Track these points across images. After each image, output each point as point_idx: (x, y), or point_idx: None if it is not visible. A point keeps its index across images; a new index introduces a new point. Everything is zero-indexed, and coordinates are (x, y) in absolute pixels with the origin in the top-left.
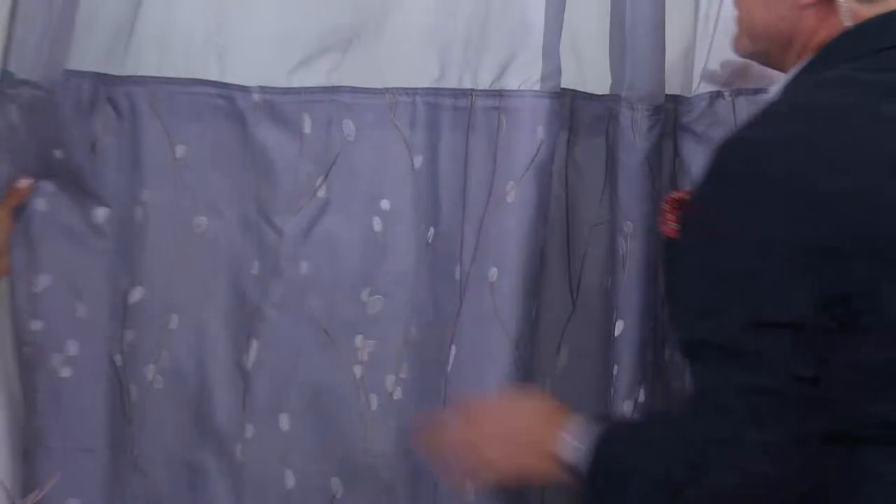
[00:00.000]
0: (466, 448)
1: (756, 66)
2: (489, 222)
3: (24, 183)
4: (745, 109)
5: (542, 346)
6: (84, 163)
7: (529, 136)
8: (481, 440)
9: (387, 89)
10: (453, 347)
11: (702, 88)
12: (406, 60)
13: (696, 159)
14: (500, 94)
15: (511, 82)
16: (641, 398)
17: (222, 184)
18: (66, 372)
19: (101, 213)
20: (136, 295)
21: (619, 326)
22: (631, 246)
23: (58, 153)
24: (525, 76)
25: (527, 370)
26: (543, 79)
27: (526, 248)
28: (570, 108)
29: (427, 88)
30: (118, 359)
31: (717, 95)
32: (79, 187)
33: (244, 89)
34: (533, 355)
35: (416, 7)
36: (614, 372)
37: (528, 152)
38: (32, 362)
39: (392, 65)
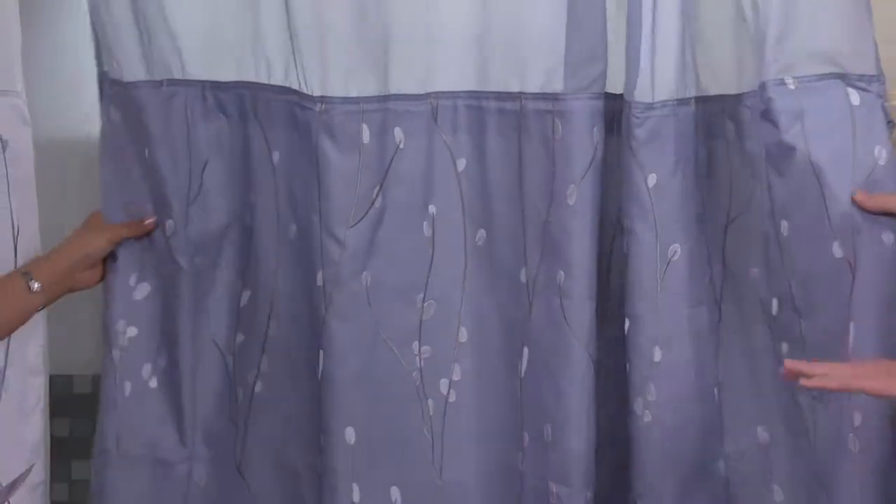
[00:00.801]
0: None
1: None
2: (553, 225)
3: (150, 221)
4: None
5: None
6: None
7: (586, 138)
8: None
9: (429, 94)
10: (525, 350)
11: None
12: (448, 64)
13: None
14: (553, 97)
15: (563, 85)
16: (652, 396)
17: (301, 193)
18: (153, 383)
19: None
20: (245, 298)
21: (626, 325)
22: (629, 243)
23: (161, 157)
24: (578, 79)
25: (598, 372)
26: (594, 81)
27: (589, 249)
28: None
29: (468, 92)
30: (230, 361)
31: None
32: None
33: (311, 99)
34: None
35: (456, 11)
36: (627, 370)
37: (587, 154)
38: (122, 367)
39: (434, 69)
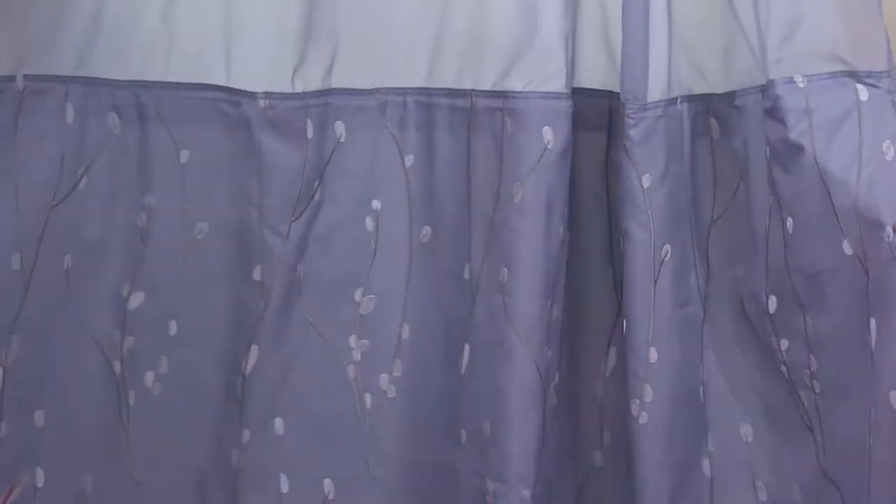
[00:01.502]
0: None
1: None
2: (499, 222)
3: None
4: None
5: (590, 348)
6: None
7: (535, 137)
8: None
9: (377, 89)
10: (466, 347)
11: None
12: (398, 60)
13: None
14: (503, 95)
15: (515, 83)
16: (648, 397)
17: (227, 190)
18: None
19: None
20: (136, 301)
21: (624, 326)
22: (624, 245)
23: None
24: (529, 77)
25: (549, 372)
26: (549, 79)
27: (538, 248)
28: (608, 110)
29: (419, 88)
30: (117, 366)
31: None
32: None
33: (251, 95)
34: (560, 357)
35: (408, 7)
36: (624, 371)
37: (534, 153)
38: None
39: (383, 65)
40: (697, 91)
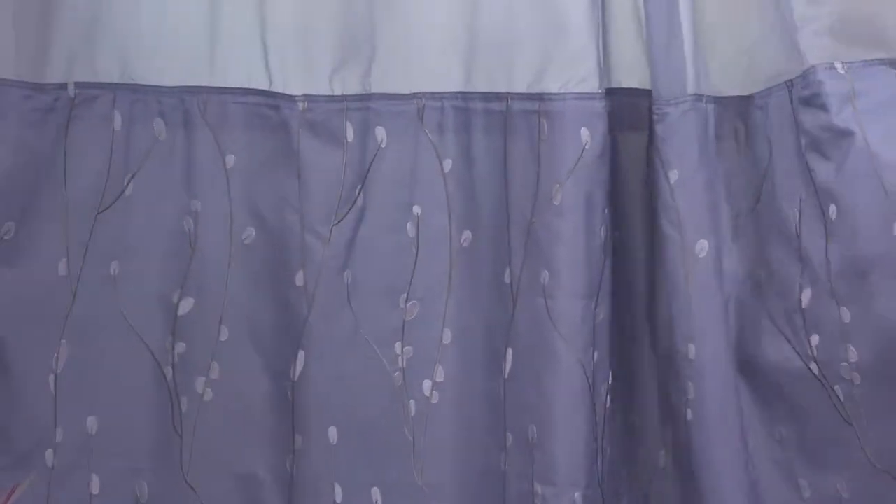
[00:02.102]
0: None
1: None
2: (538, 225)
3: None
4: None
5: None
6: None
7: (573, 138)
8: None
9: (414, 94)
10: (509, 351)
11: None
12: (434, 65)
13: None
14: (539, 97)
15: (550, 85)
16: (692, 394)
17: (269, 194)
18: None
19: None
20: (186, 306)
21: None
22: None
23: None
24: (565, 78)
25: (597, 373)
26: (584, 80)
27: (578, 249)
28: (647, 108)
29: (455, 93)
30: (169, 371)
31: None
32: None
33: (290, 98)
34: (611, 358)
35: (441, 11)
36: None
37: (573, 154)
38: None
39: (420, 69)
40: (726, 93)
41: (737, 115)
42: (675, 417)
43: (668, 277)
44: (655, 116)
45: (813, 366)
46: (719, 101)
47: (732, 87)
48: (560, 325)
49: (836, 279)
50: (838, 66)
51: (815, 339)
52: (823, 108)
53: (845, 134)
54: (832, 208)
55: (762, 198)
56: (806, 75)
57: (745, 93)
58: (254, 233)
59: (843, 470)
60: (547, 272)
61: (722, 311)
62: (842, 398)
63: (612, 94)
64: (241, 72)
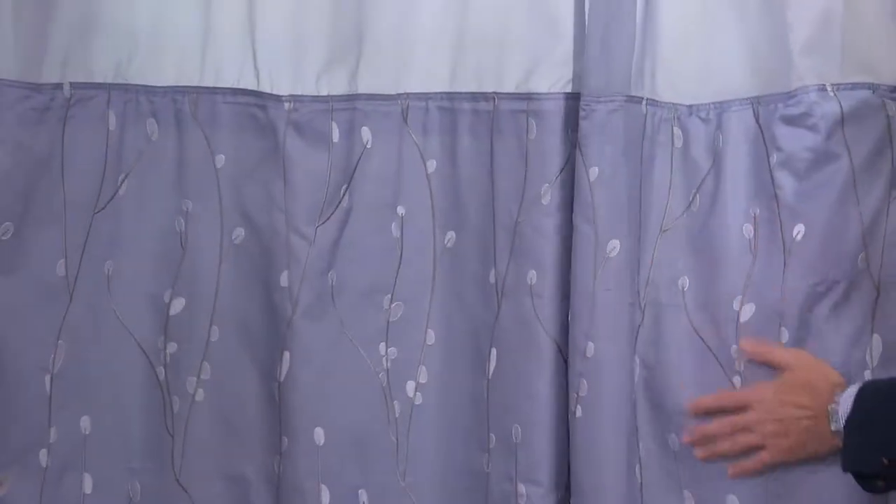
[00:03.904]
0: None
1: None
2: (524, 225)
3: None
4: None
5: None
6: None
7: (562, 138)
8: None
9: (399, 95)
10: (494, 351)
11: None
12: (420, 65)
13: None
14: (528, 97)
15: (539, 85)
16: (584, 391)
17: (257, 194)
18: None
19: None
20: (178, 306)
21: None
22: (573, 237)
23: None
24: (554, 78)
25: (566, 372)
26: (572, 80)
27: (562, 249)
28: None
29: (440, 93)
30: (161, 371)
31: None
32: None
33: (277, 98)
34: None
35: (428, 12)
36: None
37: (562, 154)
38: None
39: (406, 70)
40: (666, 99)
41: (678, 121)
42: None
43: (576, 274)
44: (582, 113)
45: (736, 379)
46: (660, 105)
47: (680, 96)
48: (548, 324)
49: (788, 301)
50: (828, 87)
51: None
52: (812, 128)
53: (831, 157)
54: (798, 228)
55: (694, 206)
56: (794, 94)
57: (692, 102)
58: (243, 233)
59: (733, 486)
60: (534, 272)
61: (627, 313)
62: None
63: None
64: (232, 72)
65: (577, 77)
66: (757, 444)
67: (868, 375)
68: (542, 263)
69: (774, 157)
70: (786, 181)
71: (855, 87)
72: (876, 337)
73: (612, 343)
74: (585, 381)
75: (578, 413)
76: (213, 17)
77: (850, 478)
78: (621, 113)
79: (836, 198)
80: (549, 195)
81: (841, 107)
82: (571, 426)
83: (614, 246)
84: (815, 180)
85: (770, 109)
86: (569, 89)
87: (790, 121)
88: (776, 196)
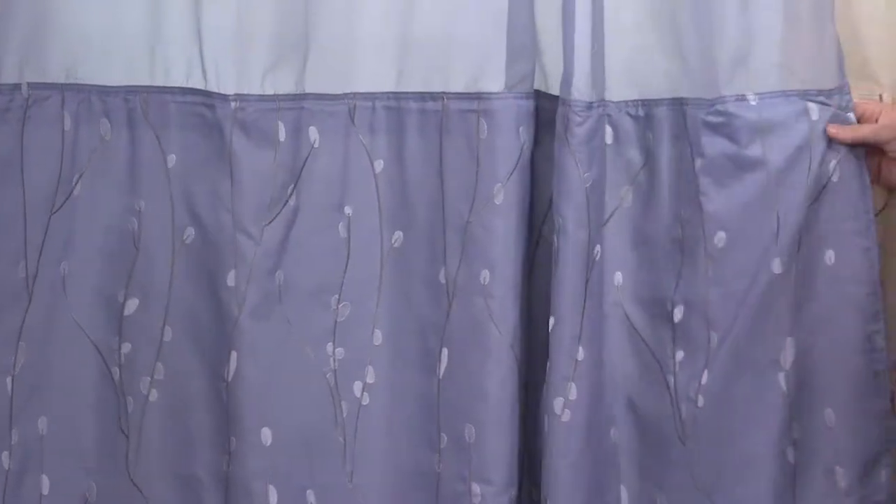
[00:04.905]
0: None
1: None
2: (475, 225)
3: None
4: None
5: None
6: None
7: (513, 138)
8: None
9: (346, 95)
10: (444, 351)
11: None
12: (366, 65)
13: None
14: (478, 96)
15: (490, 85)
16: (573, 396)
17: (205, 194)
18: None
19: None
20: (132, 307)
21: (551, 323)
22: (561, 241)
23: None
24: (504, 78)
25: (521, 372)
26: (522, 80)
27: (515, 249)
28: (536, 109)
29: (387, 93)
30: (116, 372)
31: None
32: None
33: (223, 98)
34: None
35: (374, 11)
36: (548, 368)
37: (513, 154)
38: None
39: (353, 70)
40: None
41: (609, 119)
42: (550, 417)
43: (566, 277)
44: (577, 118)
45: (670, 379)
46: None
47: (608, 92)
48: (500, 324)
49: (712, 304)
50: (751, 97)
51: (680, 354)
52: (732, 138)
53: (751, 165)
54: (720, 235)
55: (626, 203)
56: (716, 103)
57: (620, 98)
58: (193, 232)
59: (665, 485)
60: (487, 272)
61: (606, 317)
62: (683, 416)
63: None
64: (181, 71)
65: (530, 76)
66: None
67: (782, 379)
68: (494, 263)
69: (698, 163)
70: (709, 188)
71: (777, 95)
72: (790, 340)
73: (596, 345)
74: (574, 385)
75: (566, 417)
76: (161, 17)
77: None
78: (606, 118)
79: (756, 205)
80: (501, 195)
81: (762, 116)
82: (553, 429)
83: (598, 250)
84: (734, 188)
85: (695, 114)
86: (519, 89)
87: (712, 128)
88: (700, 201)
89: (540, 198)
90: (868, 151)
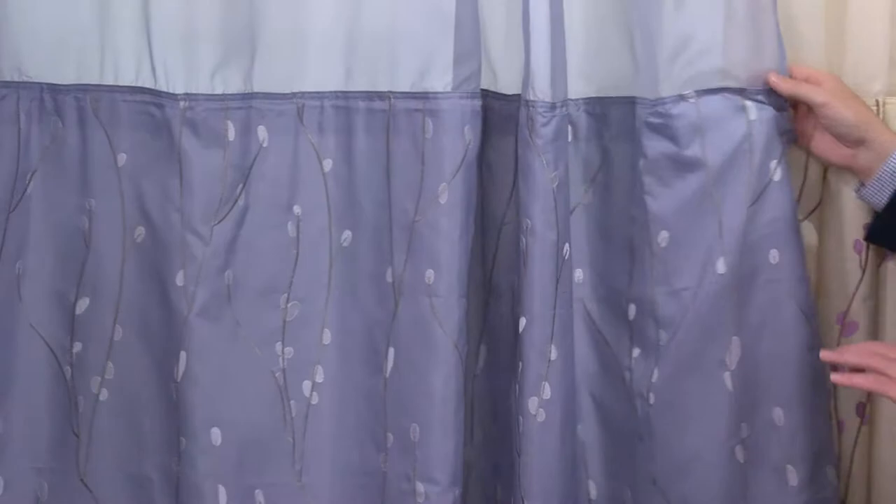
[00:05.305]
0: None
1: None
2: (421, 224)
3: None
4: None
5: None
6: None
7: (458, 137)
8: None
9: (294, 94)
10: (391, 350)
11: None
12: (314, 64)
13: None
14: (423, 96)
15: (435, 84)
16: (547, 395)
17: (155, 193)
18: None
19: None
20: (83, 306)
21: (522, 323)
22: (529, 242)
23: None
24: (449, 77)
25: (464, 371)
26: (467, 80)
27: (459, 248)
28: (483, 108)
29: (335, 92)
30: (68, 371)
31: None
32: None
33: (172, 97)
34: (468, 355)
35: (322, 10)
36: (519, 369)
37: (458, 153)
38: None
39: (301, 69)
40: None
41: (569, 118)
42: (525, 417)
43: (537, 278)
44: (542, 119)
45: (627, 375)
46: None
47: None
48: (446, 323)
49: (658, 303)
50: (690, 96)
51: (636, 351)
52: (672, 138)
53: (690, 166)
54: (663, 235)
55: (587, 200)
56: (657, 103)
57: (576, 96)
58: (144, 232)
59: (630, 481)
60: (432, 271)
61: (571, 315)
62: (639, 413)
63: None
64: (130, 70)
65: (476, 75)
66: None
67: (728, 378)
68: (439, 263)
69: (641, 163)
70: (652, 187)
71: (715, 93)
72: (735, 339)
73: (567, 344)
74: (548, 385)
75: (541, 417)
76: (110, 15)
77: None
78: (567, 118)
79: (698, 206)
80: (446, 194)
81: (700, 115)
82: (528, 429)
83: (567, 249)
84: (676, 188)
85: (640, 114)
86: (464, 88)
87: (654, 128)
88: (645, 201)
89: (498, 198)
90: (800, 115)
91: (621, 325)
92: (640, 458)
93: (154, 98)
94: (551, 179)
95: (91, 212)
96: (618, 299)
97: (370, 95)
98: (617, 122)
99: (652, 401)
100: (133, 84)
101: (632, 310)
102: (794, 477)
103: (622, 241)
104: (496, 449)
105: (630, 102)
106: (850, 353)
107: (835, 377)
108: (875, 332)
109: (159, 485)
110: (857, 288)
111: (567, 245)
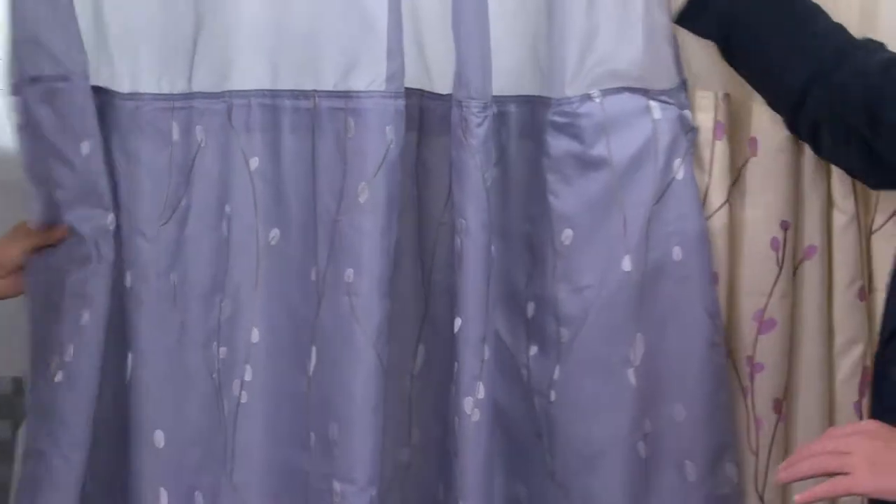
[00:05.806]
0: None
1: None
2: (343, 223)
3: (61, 228)
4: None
5: (402, 346)
6: None
7: (379, 136)
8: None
9: (224, 93)
10: (314, 349)
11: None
12: (242, 63)
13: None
14: (346, 95)
15: (357, 83)
16: (481, 395)
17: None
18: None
19: None
20: None
21: (457, 324)
22: (465, 243)
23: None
24: (371, 77)
25: (385, 370)
26: (389, 79)
27: (379, 248)
28: (418, 108)
29: (262, 91)
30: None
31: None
32: None
33: (121, 96)
34: (391, 355)
35: (251, 9)
36: (455, 369)
37: (378, 153)
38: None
39: (230, 68)
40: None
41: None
42: (461, 417)
43: (472, 277)
44: (475, 119)
45: (524, 373)
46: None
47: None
48: (365, 323)
49: (560, 300)
50: (595, 95)
51: (533, 349)
52: (577, 137)
53: (595, 164)
54: (567, 233)
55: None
56: (563, 103)
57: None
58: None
59: (526, 479)
60: (352, 270)
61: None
62: (537, 411)
63: (419, 95)
64: (91, 69)
65: (400, 74)
66: None
67: (632, 375)
68: (359, 262)
69: (545, 162)
70: (556, 186)
71: (619, 92)
72: (639, 336)
73: (494, 343)
74: (482, 385)
75: (476, 416)
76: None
77: None
78: (495, 117)
79: (602, 204)
80: (366, 193)
81: (606, 115)
82: (463, 428)
83: (495, 249)
84: (580, 186)
85: (543, 113)
86: (385, 88)
87: (558, 127)
88: (548, 199)
89: (436, 198)
90: None
91: (518, 322)
92: (538, 455)
93: (110, 98)
94: (485, 179)
95: None
96: (515, 297)
97: (296, 94)
98: (517, 121)
99: (553, 398)
100: (95, 83)
101: (530, 308)
102: (692, 472)
103: (518, 239)
104: (438, 449)
105: (531, 101)
106: (805, 465)
107: (799, 499)
108: (792, 330)
109: (109, 488)
110: (774, 285)
111: (493, 246)
